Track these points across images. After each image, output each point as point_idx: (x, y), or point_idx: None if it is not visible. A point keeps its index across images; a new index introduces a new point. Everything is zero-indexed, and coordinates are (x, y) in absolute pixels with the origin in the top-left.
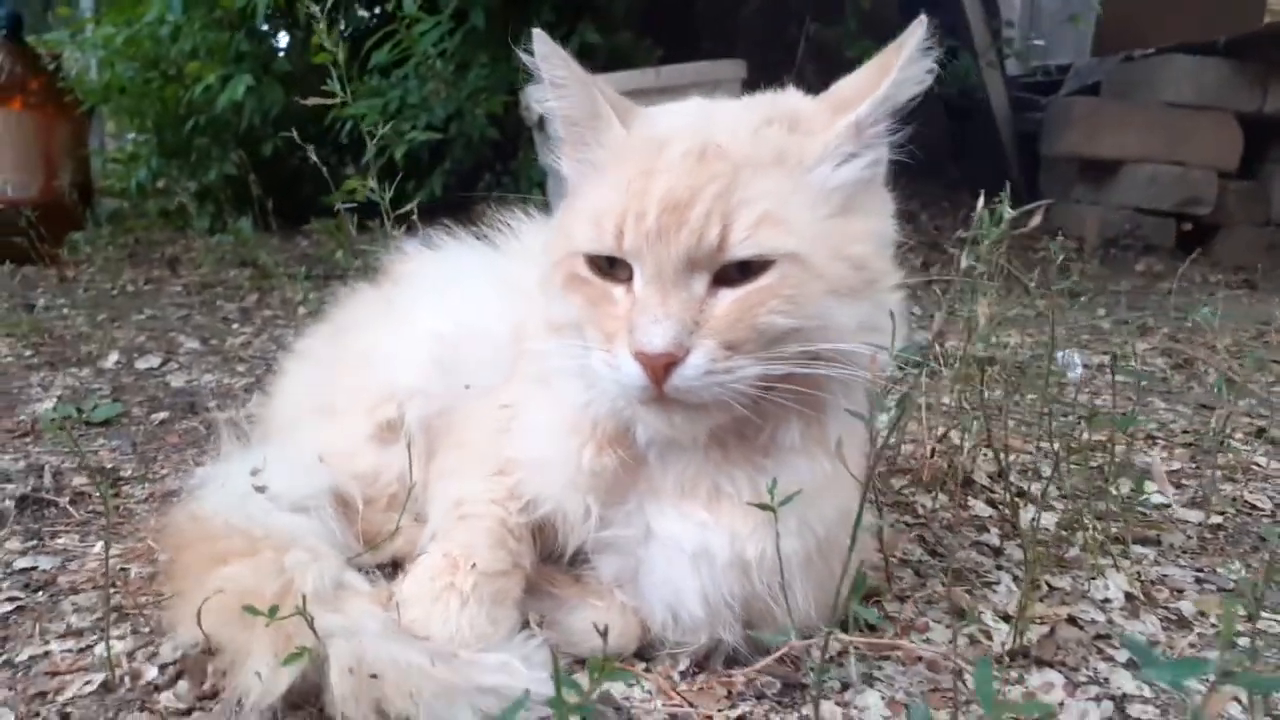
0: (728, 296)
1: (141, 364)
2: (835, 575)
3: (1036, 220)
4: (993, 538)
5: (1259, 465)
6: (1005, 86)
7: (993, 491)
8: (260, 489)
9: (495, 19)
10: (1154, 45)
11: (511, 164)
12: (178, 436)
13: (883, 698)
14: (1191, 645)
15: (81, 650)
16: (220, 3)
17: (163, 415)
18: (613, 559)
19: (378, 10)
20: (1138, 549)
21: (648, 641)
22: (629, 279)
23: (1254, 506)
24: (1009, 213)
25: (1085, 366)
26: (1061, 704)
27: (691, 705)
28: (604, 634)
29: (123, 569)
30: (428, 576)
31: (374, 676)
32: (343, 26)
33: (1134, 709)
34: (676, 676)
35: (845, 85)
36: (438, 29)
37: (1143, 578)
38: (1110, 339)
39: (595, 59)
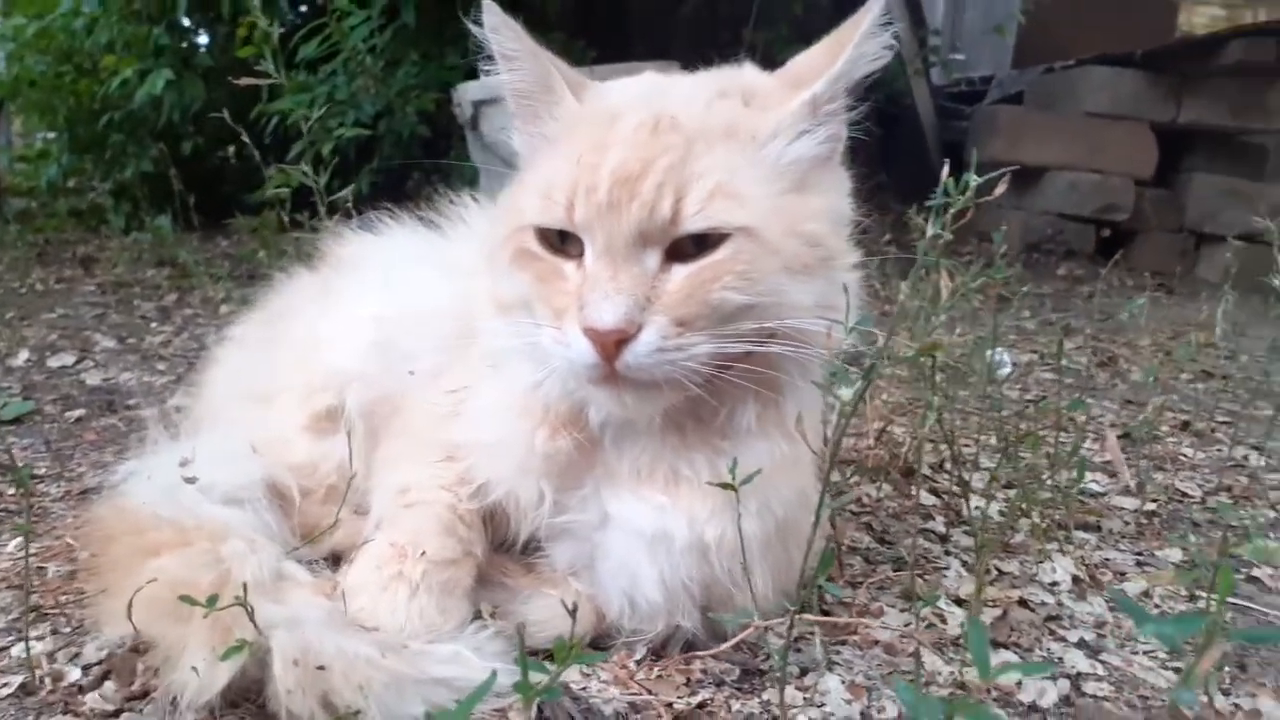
0: (681, 272)
1: (54, 362)
2: (794, 560)
3: (1002, 188)
4: (939, 525)
5: (1185, 456)
6: (931, 95)
7: (935, 481)
8: (190, 480)
9: (426, 16)
10: (1072, 58)
11: (442, 163)
12: (95, 434)
13: (843, 681)
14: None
15: None
16: None
17: (79, 413)
18: (567, 546)
19: (304, 8)
20: (1079, 534)
21: (603, 630)
22: (580, 255)
23: (1184, 494)
24: (974, 179)
25: (1014, 365)
26: (1019, 683)
27: (650, 693)
28: (572, 612)
29: (40, 567)
30: (374, 565)
31: (321, 668)
32: (268, 22)
33: (1089, 686)
34: (634, 665)
35: (800, 62)
36: (367, 24)
37: (1086, 561)
38: (1036, 339)
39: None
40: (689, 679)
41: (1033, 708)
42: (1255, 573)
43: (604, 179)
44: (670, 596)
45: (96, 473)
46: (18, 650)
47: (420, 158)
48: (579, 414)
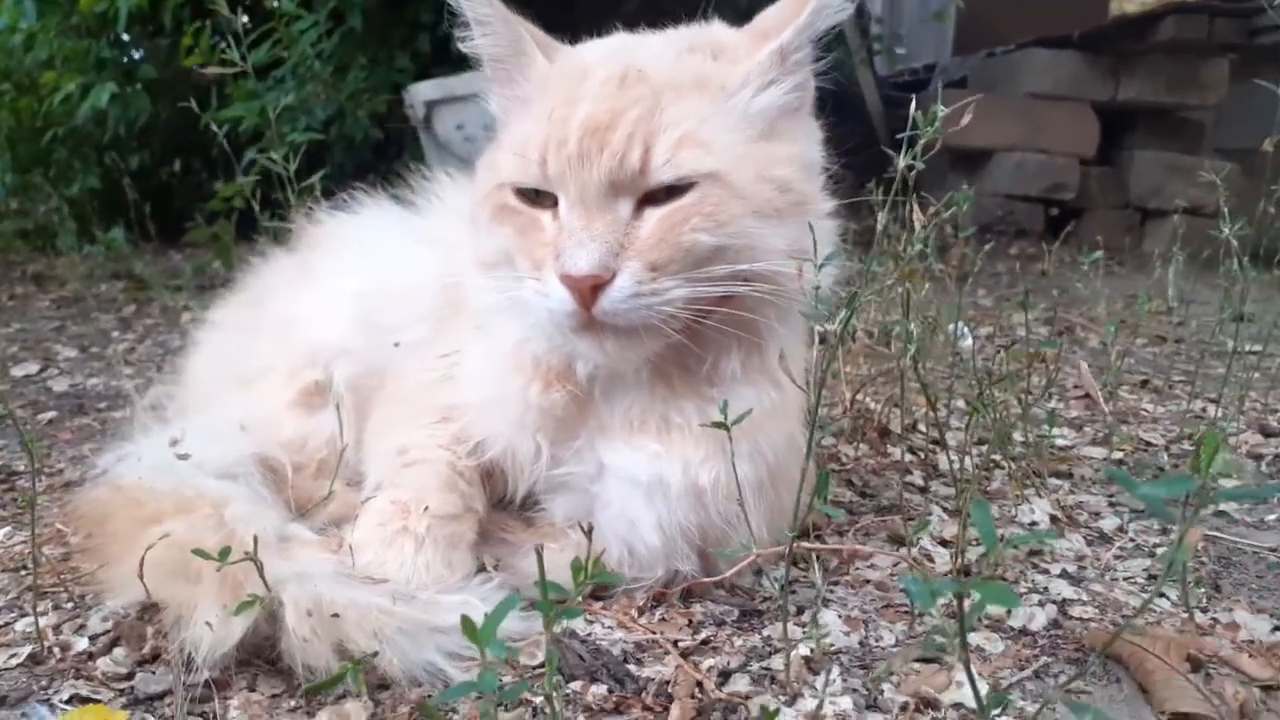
0: (653, 216)
1: (18, 371)
2: (785, 504)
3: (967, 119)
4: (917, 479)
5: (1147, 410)
6: (876, 84)
7: (909, 440)
8: (183, 457)
9: (372, 20)
10: (1010, 43)
11: (396, 165)
12: (70, 433)
13: (839, 615)
14: (1116, 557)
15: (0, 627)
16: (78, 8)
17: (50, 415)
18: (565, 498)
19: (246, 19)
20: (1053, 481)
21: (602, 583)
22: (556, 207)
23: (1149, 443)
24: (942, 110)
25: (975, 338)
26: (1009, 611)
27: (654, 634)
28: (588, 531)
29: (31, 552)
30: (377, 522)
31: (335, 616)
32: (211, 31)
33: (1075, 610)
34: (634, 612)
35: (766, 17)
36: (315, 29)
37: (1061, 504)
38: (994, 314)
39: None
40: (690, 620)
41: (1024, 631)
42: (1223, 507)
43: (574, 131)
44: (668, 541)
45: (76, 467)
46: (21, 625)
47: (373, 161)
48: (569, 367)
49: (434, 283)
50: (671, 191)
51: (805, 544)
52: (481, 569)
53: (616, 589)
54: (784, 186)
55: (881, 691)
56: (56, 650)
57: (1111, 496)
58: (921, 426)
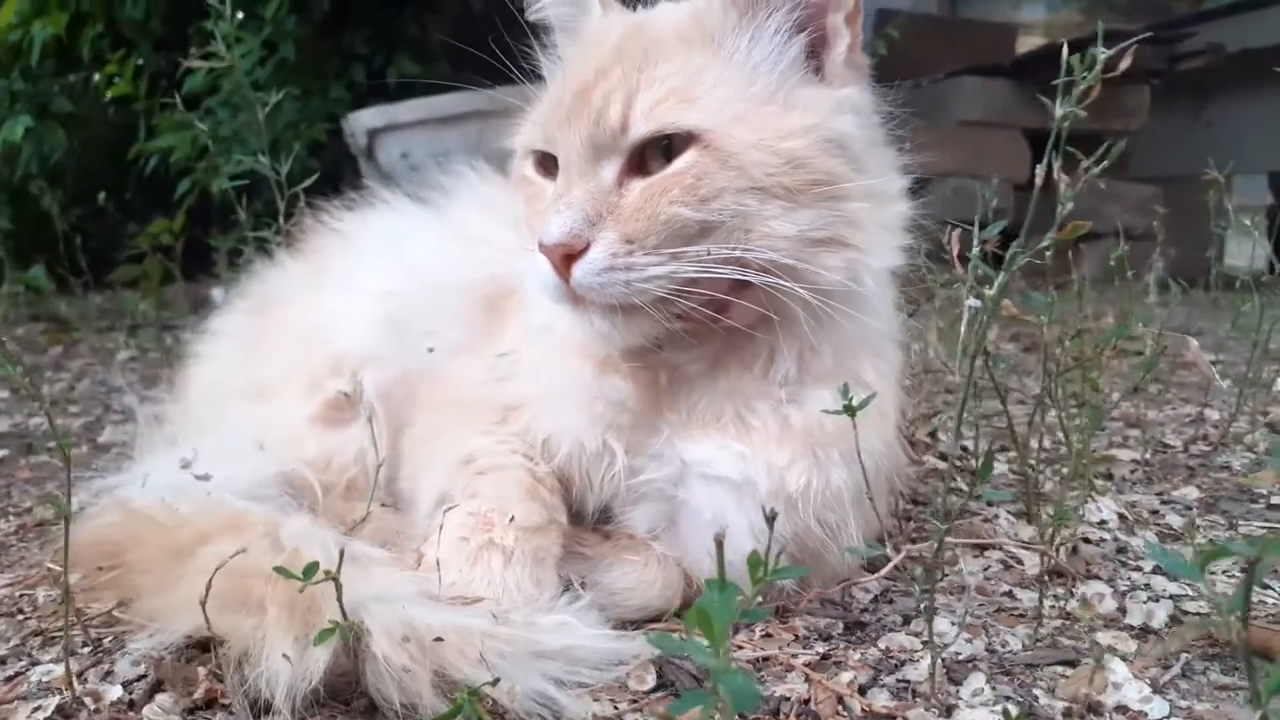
0: (638, 186)
1: None
2: (878, 516)
3: (1126, 63)
4: (962, 485)
5: (1148, 416)
6: None
7: (934, 446)
8: (203, 478)
9: (305, 50)
10: (930, 74)
11: (334, 198)
12: (29, 470)
13: (952, 624)
14: (1198, 551)
15: (11, 678)
16: None
17: (0, 454)
18: (645, 509)
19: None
20: (1099, 482)
21: (691, 597)
22: None
23: (1168, 445)
24: (1102, 52)
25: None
26: (1123, 610)
27: (764, 652)
28: (721, 544)
29: (23, 594)
30: (458, 536)
31: (439, 640)
32: (140, 61)
33: (1188, 605)
34: (729, 629)
35: None
36: (248, 58)
37: (1119, 503)
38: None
39: (415, 90)
40: (795, 635)
41: (1146, 629)
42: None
43: (568, 93)
44: (763, 548)
45: (45, 505)
46: (37, 675)
47: (309, 193)
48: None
49: (467, 280)
50: (668, 157)
51: (949, 539)
52: (567, 587)
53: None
54: (795, 161)
55: (1035, 698)
56: (88, 701)
57: (1160, 495)
58: (941, 435)
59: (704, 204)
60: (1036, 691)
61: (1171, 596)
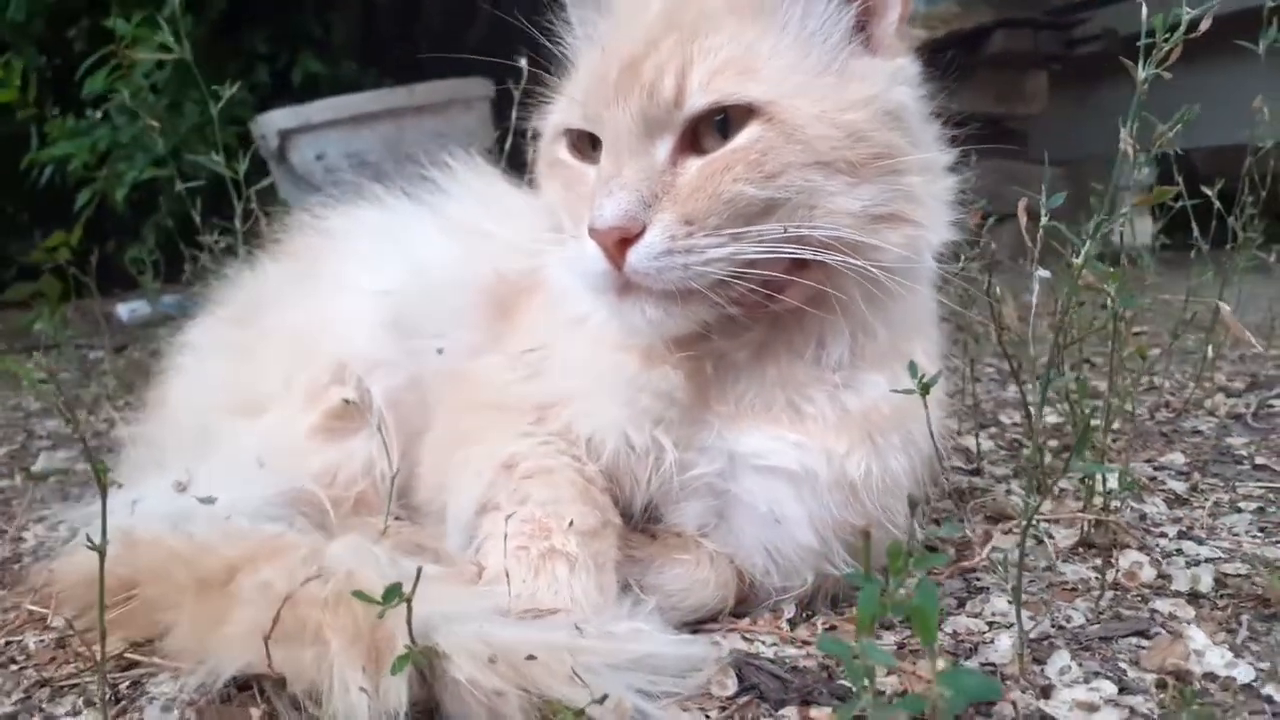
0: (695, 165)
1: None
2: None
3: (1206, 24)
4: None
5: (1098, 387)
6: None
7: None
8: (207, 501)
9: (204, 51)
10: None
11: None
12: None
13: (1009, 602)
14: (1211, 515)
15: None
16: None
17: None
18: (694, 505)
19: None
20: (1088, 453)
21: (744, 594)
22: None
23: (1132, 412)
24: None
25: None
26: (1165, 577)
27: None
28: (869, 535)
29: (9, 641)
30: (516, 545)
31: (531, 658)
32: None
33: (1227, 568)
34: (785, 625)
35: None
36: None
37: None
38: None
39: (320, 90)
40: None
41: (1195, 594)
42: None
43: (614, 67)
44: (823, 540)
45: (8, 542)
46: None
47: (216, 200)
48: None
49: (472, 277)
50: (724, 133)
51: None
52: (625, 589)
53: (758, 603)
54: (857, 134)
55: (1124, 672)
56: None
57: (1149, 463)
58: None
59: (769, 181)
60: (1122, 665)
61: (1209, 560)
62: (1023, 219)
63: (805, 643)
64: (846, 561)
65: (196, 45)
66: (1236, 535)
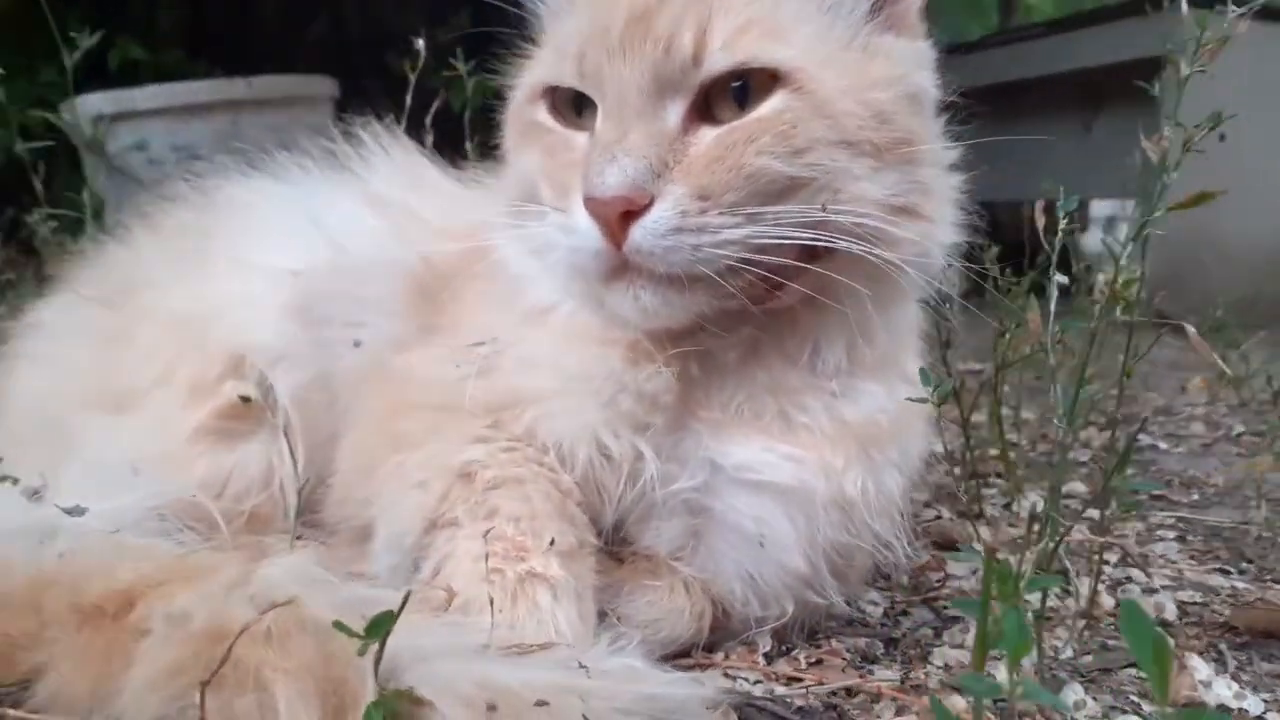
0: (710, 134)
1: None
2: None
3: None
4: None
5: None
6: None
7: None
8: (74, 511)
9: (7, 27)
10: None
11: (48, 194)
12: None
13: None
14: (1140, 542)
15: None
16: None
17: None
18: (670, 524)
19: None
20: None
21: (716, 625)
22: (593, 129)
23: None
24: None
25: None
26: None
27: (822, 683)
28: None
29: None
30: (491, 566)
31: (543, 704)
32: None
33: (1181, 595)
34: (761, 659)
35: None
36: None
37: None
38: None
39: (141, 77)
40: (841, 659)
41: (1162, 623)
42: None
43: (618, 19)
44: (812, 565)
45: None
46: None
47: (14, 189)
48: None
49: (394, 259)
50: (740, 101)
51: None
52: (601, 618)
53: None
54: (882, 116)
55: (1138, 705)
56: None
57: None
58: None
59: (797, 156)
60: (1133, 698)
61: (1163, 588)
62: (1040, 221)
63: (792, 679)
64: (833, 588)
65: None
66: (1174, 562)
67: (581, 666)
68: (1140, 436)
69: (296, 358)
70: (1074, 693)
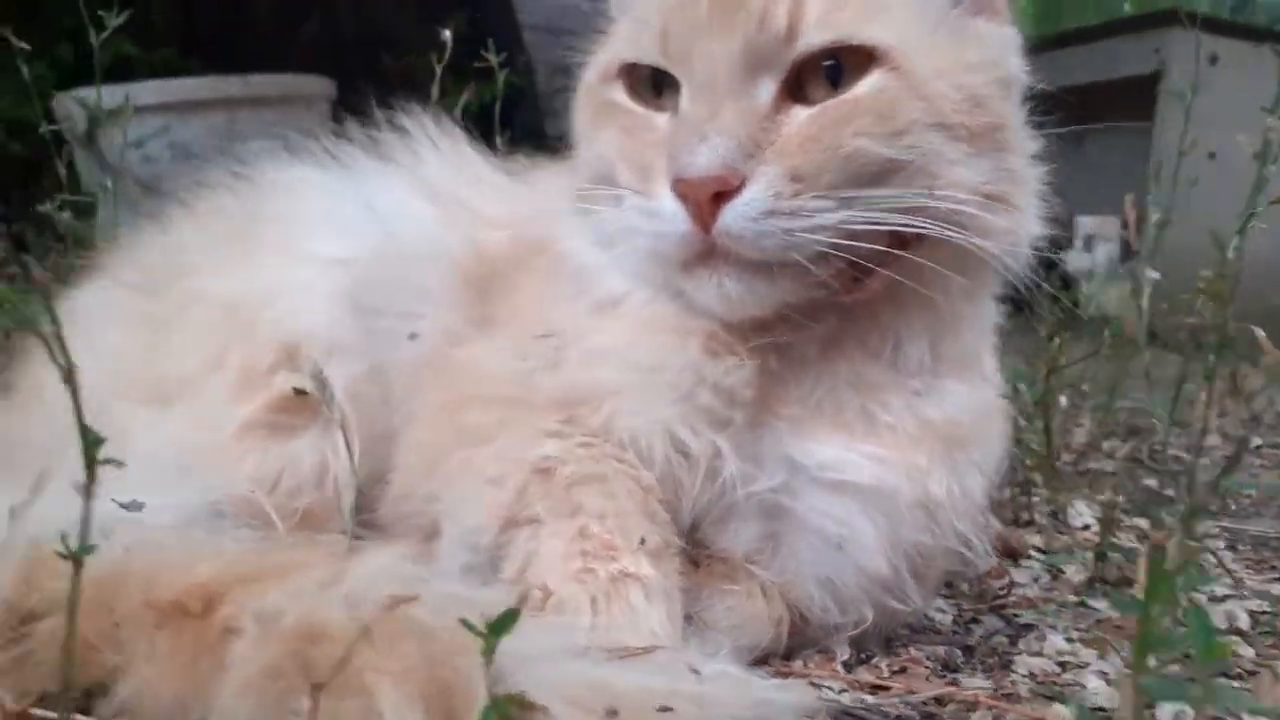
0: (803, 114)
1: None
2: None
3: None
4: None
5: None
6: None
7: None
8: (130, 506)
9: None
10: None
11: (37, 191)
12: None
13: (1067, 640)
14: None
15: None
16: None
17: None
18: (747, 525)
19: None
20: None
21: (797, 629)
22: (675, 111)
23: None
24: None
25: None
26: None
27: (912, 692)
28: None
29: None
30: (578, 567)
31: (666, 711)
32: None
33: (1250, 604)
34: (840, 668)
35: None
36: None
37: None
38: None
39: (136, 74)
40: (924, 667)
41: (1236, 631)
42: None
43: None
44: (894, 569)
45: None
46: None
47: (3, 185)
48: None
49: (446, 250)
50: (834, 80)
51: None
52: (686, 621)
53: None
54: (976, 99)
55: (1240, 716)
56: None
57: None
58: None
59: (896, 138)
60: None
61: (1226, 597)
62: (1131, 218)
63: (878, 687)
64: (914, 592)
65: None
66: (1232, 571)
67: (694, 671)
68: (1160, 447)
69: (351, 349)
70: (1170, 705)
